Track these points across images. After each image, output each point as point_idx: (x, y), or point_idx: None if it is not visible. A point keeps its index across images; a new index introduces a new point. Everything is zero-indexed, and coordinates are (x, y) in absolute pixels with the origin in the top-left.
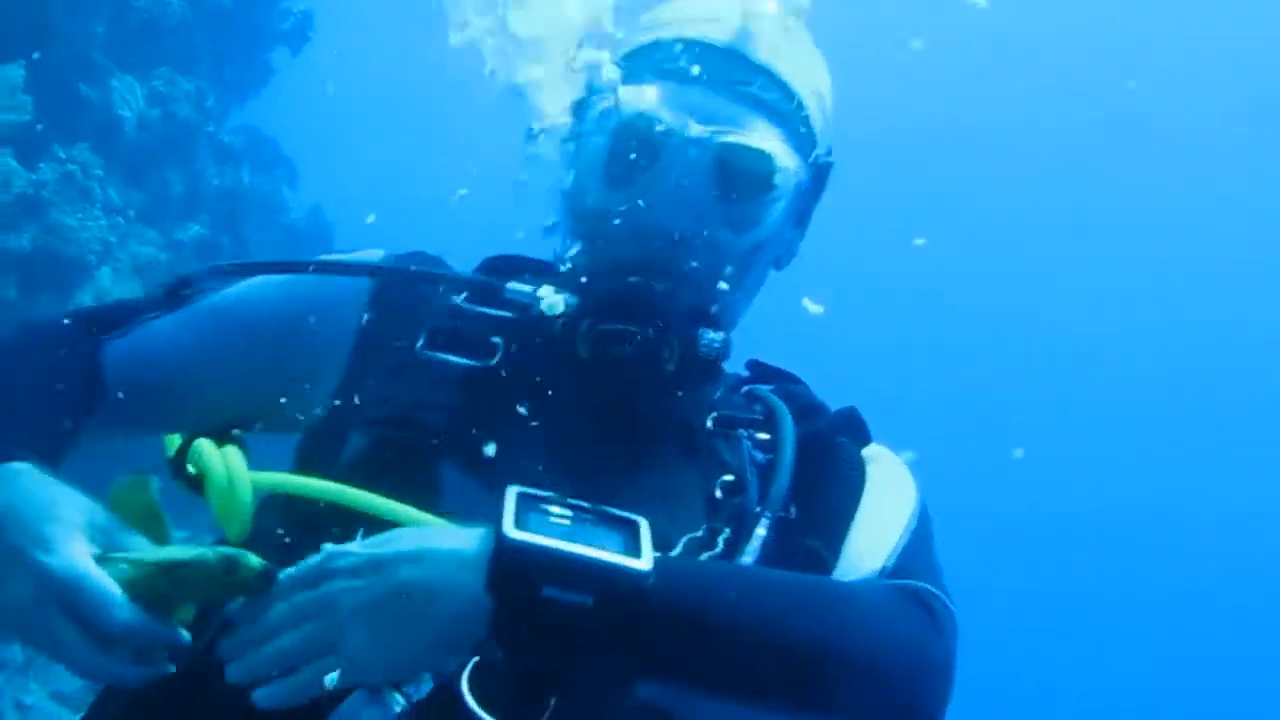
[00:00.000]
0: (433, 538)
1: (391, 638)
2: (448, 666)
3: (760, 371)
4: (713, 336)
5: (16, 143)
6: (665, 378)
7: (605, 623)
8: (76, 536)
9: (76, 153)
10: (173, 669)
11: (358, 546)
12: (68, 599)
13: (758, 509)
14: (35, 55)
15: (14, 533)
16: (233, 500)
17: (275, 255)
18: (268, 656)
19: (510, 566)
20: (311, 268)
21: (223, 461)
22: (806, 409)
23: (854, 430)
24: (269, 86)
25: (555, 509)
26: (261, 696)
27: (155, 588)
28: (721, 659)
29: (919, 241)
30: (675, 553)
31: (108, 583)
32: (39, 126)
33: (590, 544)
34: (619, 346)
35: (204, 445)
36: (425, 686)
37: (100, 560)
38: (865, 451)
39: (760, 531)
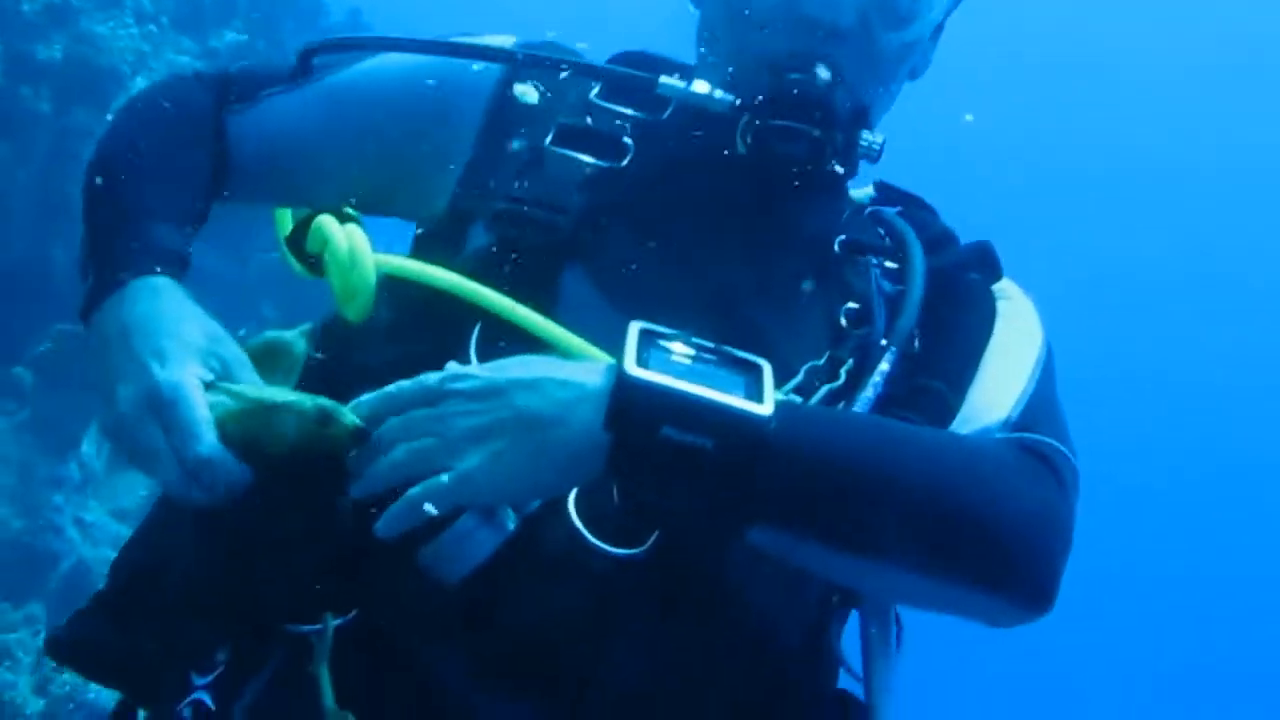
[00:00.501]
0: (554, 368)
1: (505, 463)
2: (560, 494)
3: (887, 194)
4: (871, 138)
5: None
6: (824, 179)
7: (723, 466)
8: (191, 359)
9: None
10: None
11: (478, 369)
12: (164, 414)
13: (883, 342)
14: None
15: (138, 343)
16: (355, 277)
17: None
18: (381, 469)
19: (630, 404)
20: (444, 49)
21: (346, 237)
22: (937, 239)
23: (987, 266)
24: None
25: (678, 346)
26: (380, 527)
27: (248, 425)
28: (839, 510)
29: (968, 118)
30: (796, 381)
31: (202, 411)
32: None
33: (712, 386)
34: (786, 144)
35: (327, 220)
36: (533, 504)
37: (207, 387)
38: (996, 287)
39: (884, 366)
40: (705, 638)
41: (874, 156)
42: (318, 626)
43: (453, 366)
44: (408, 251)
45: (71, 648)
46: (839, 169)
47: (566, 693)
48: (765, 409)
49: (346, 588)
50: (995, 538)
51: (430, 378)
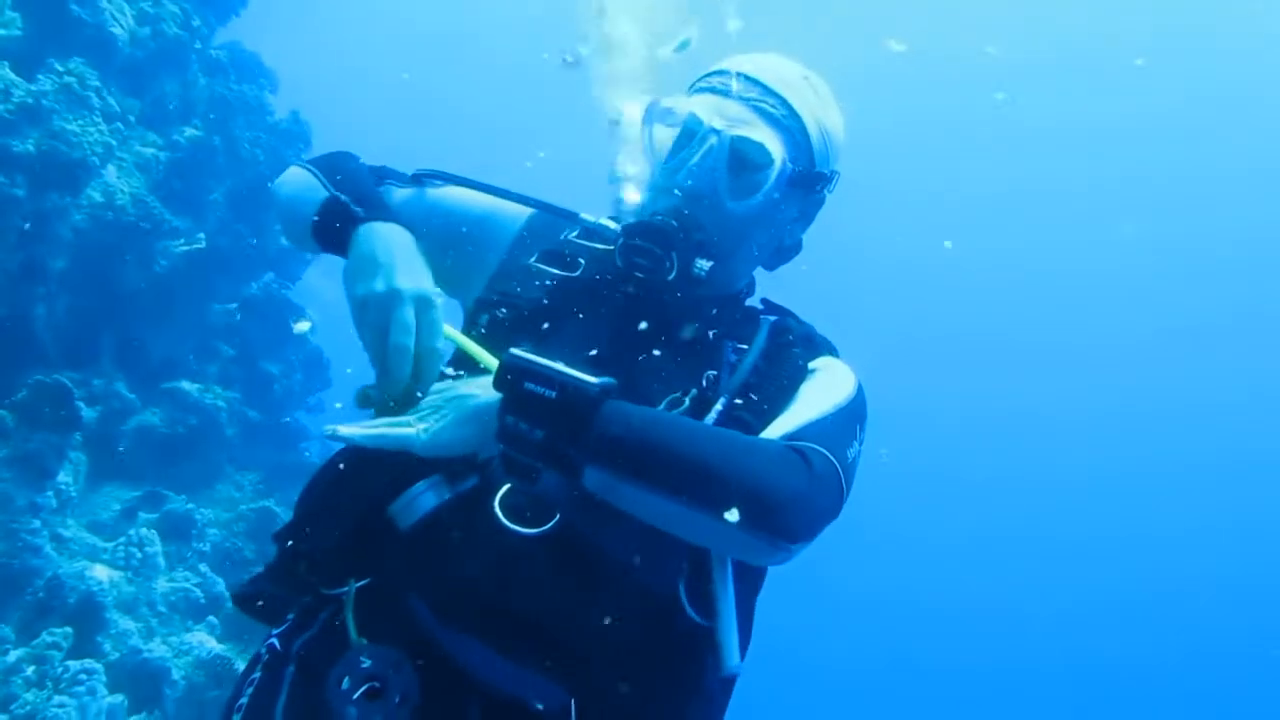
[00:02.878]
0: (486, 378)
1: (446, 423)
2: (483, 444)
3: (769, 305)
4: (703, 264)
5: (11, 57)
6: (667, 284)
7: (562, 410)
8: (429, 278)
9: (72, 66)
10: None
11: (451, 382)
12: (426, 312)
13: (723, 393)
14: None
15: (407, 256)
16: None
17: (442, 168)
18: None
19: (508, 369)
20: (497, 191)
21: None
22: (783, 329)
23: (808, 345)
24: (247, 8)
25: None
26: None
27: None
28: (636, 452)
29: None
30: (659, 408)
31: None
32: (32, 44)
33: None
34: (636, 256)
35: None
36: (469, 483)
37: None
38: (815, 362)
39: (718, 406)
40: (584, 585)
41: (703, 275)
42: (345, 589)
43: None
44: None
45: (240, 598)
46: (673, 282)
47: (492, 623)
48: (594, 382)
49: (362, 560)
50: (747, 486)
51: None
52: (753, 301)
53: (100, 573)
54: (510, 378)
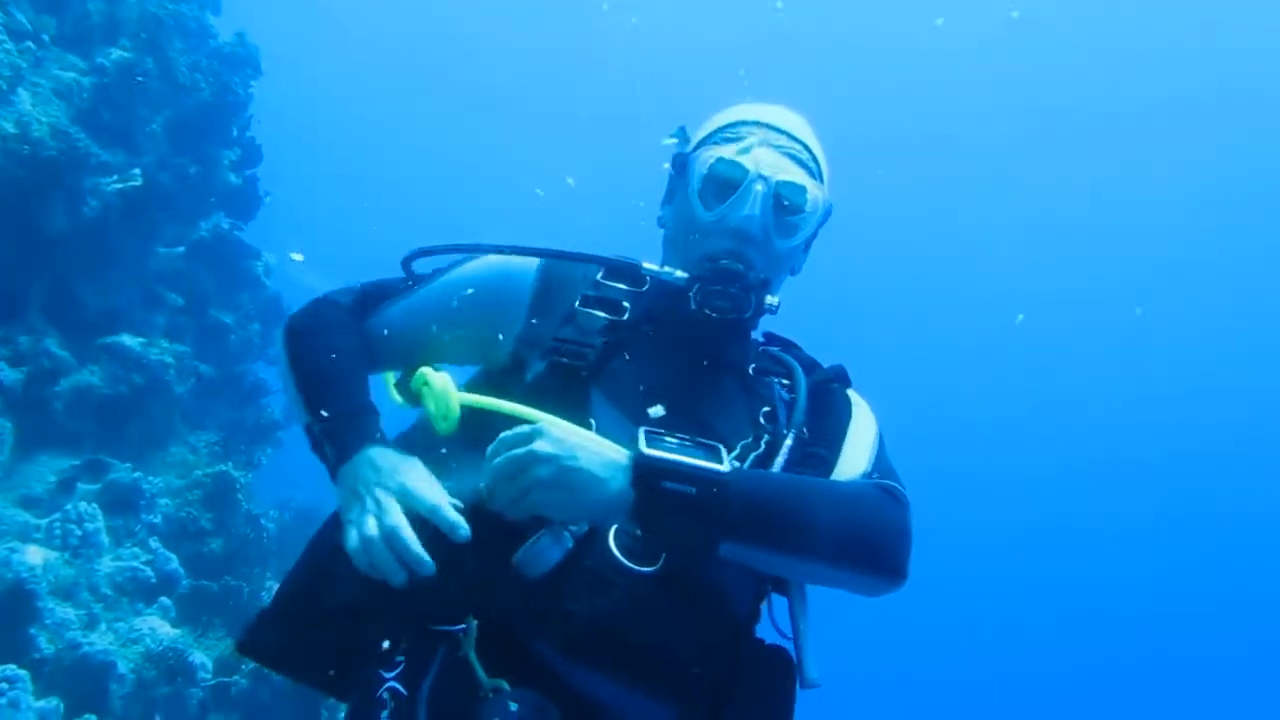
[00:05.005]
0: (605, 445)
1: (562, 500)
2: (603, 524)
3: (773, 339)
4: (772, 300)
5: None
6: (744, 324)
7: (701, 503)
8: (436, 490)
9: None
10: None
11: (563, 423)
12: (395, 544)
13: (785, 430)
14: None
15: (389, 483)
16: (446, 406)
17: (445, 239)
18: (499, 494)
19: (644, 470)
20: (508, 249)
21: (440, 379)
22: (809, 365)
23: (842, 380)
24: None
25: (669, 438)
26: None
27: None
28: (771, 526)
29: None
30: (735, 453)
31: (452, 514)
32: None
33: (691, 457)
34: (719, 300)
35: (426, 370)
36: (584, 528)
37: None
38: (848, 392)
39: (788, 443)
40: (694, 614)
41: (774, 311)
42: (463, 626)
43: (539, 427)
44: (463, 385)
45: (256, 648)
46: (748, 320)
47: (615, 656)
48: (724, 468)
49: (477, 599)
50: (862, 539)
51: (524, 430)
52: (755, 334)
53: (33, 555)
54: (646, 477)
